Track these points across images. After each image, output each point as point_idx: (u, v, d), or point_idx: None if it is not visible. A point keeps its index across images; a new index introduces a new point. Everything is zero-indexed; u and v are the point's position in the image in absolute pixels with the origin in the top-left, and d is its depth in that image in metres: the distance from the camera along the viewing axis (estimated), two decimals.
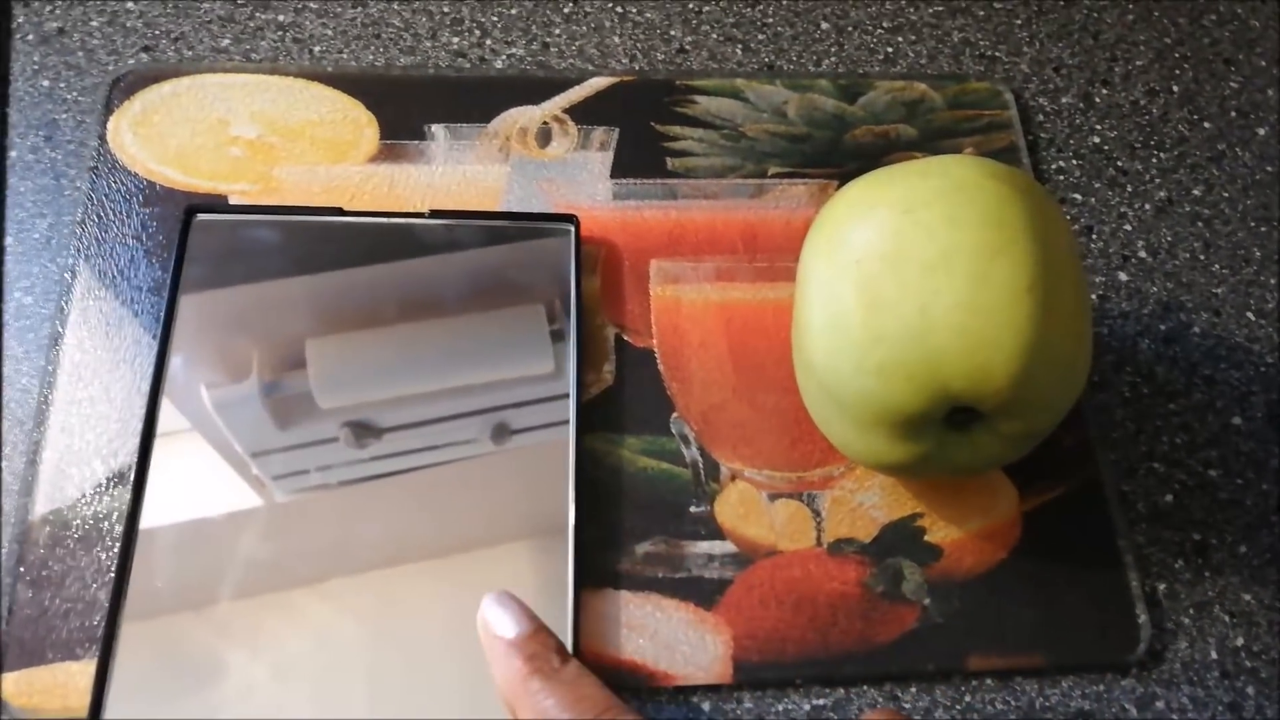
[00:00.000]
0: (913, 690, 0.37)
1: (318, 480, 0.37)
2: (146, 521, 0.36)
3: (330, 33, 0.48)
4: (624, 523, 0.38)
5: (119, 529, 0.36)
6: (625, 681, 0.36)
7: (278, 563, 0.35)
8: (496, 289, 0.41)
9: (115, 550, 0.36)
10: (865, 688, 0.37)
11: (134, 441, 0.37)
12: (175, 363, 0.38)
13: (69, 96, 0.45)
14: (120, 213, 0.42)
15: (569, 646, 0.35)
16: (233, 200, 0.43)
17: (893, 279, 0.32)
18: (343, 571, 0.36)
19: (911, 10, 0.52)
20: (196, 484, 0.37)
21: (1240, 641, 0.39)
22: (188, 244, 0.40)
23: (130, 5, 0.48)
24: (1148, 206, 0.47)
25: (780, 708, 0.36)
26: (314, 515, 0.36)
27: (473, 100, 0.46)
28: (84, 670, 0.34)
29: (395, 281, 0.40)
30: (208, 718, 0.33)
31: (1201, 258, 0.46)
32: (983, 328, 0.31)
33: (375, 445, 0.38)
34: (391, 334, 0.39)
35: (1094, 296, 0.45)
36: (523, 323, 0.40)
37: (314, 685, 0.34)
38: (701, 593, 0.37)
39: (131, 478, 0.36)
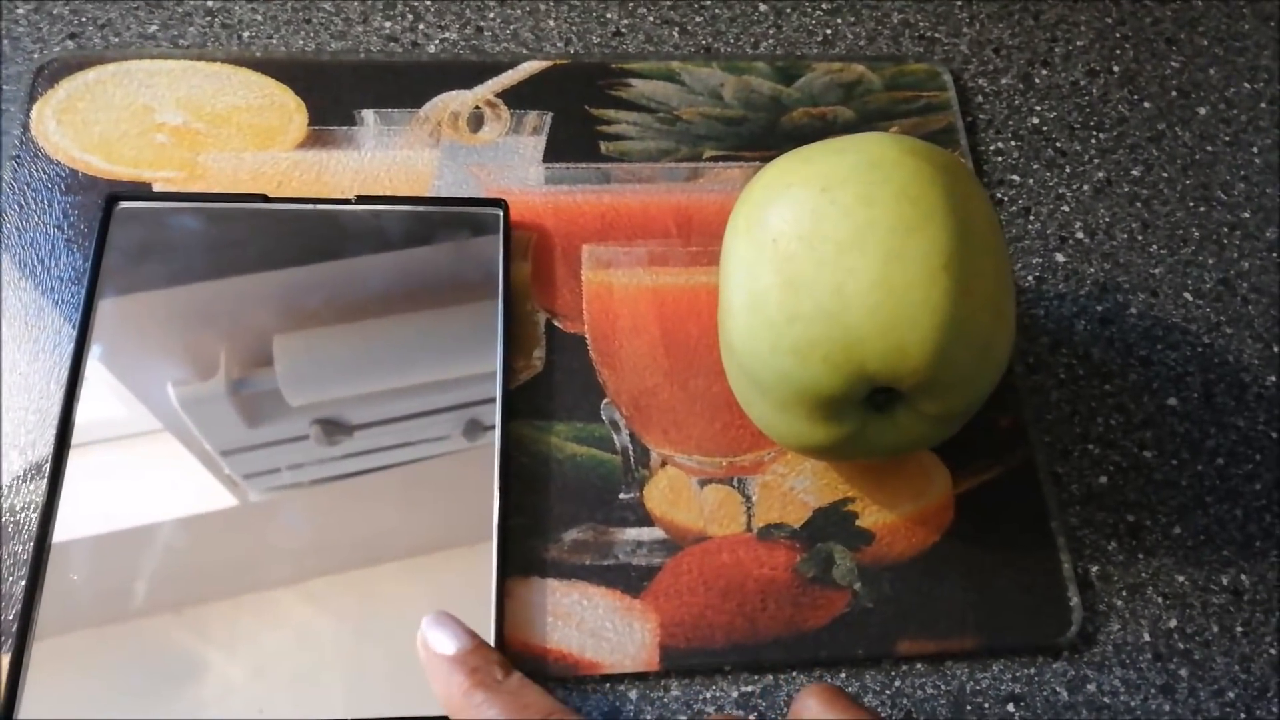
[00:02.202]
0: (842, 675, 0.36)
1: (289, 479, 0.37)
2: (121, 522, 0.35)
3: (260, 18, 0.47)
4: (552, 510, 0.38)
5: (36, 522, 0.36)
6: (551, 671, 0.35)
7: (253, 562, 0.35)
8: (465, 282, 0.40)
9: (32, 545, 0.35)
10: (794, 673, 0.36)
11: (51, 433, 0.37)
12: (112, 343, 0.37)
13: None
14: (42, 201, 0.41)
15: (493, 636, 0.34)
16: (157, 188, 0.42)
17: (809, 258, 0.32)
18: (317, 570, 0.35)
19: None
20: (168, 483, 0.36)
21: (1173, 623, 0.38)
22: (109, 232, 0.39)
23: None
24: (1086, 187, 0.47)
25: (708, 694, 0.36)
26: (287, 514, 0.36)
27: (404, 85, 0.45)
28: None
29: (359, 277, 0.40)
30: (187, 718, 0.33)
31: (1139, 238, 0.46)
32: (897, 306, 0.31)
33: (347, 443, 0.37)
34: (361, 330, 0.39)
35: (1031, 278, 0.44)
36: (492, 318, 0.39)
37: (292, 684, 0.33)
38: (629, 580, 0.37)
39: (48, 470, 0.35)
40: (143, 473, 0.36)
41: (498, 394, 0.38)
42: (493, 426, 0.38)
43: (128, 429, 0.37)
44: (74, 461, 0.36)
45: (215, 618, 0.34)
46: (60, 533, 0.35)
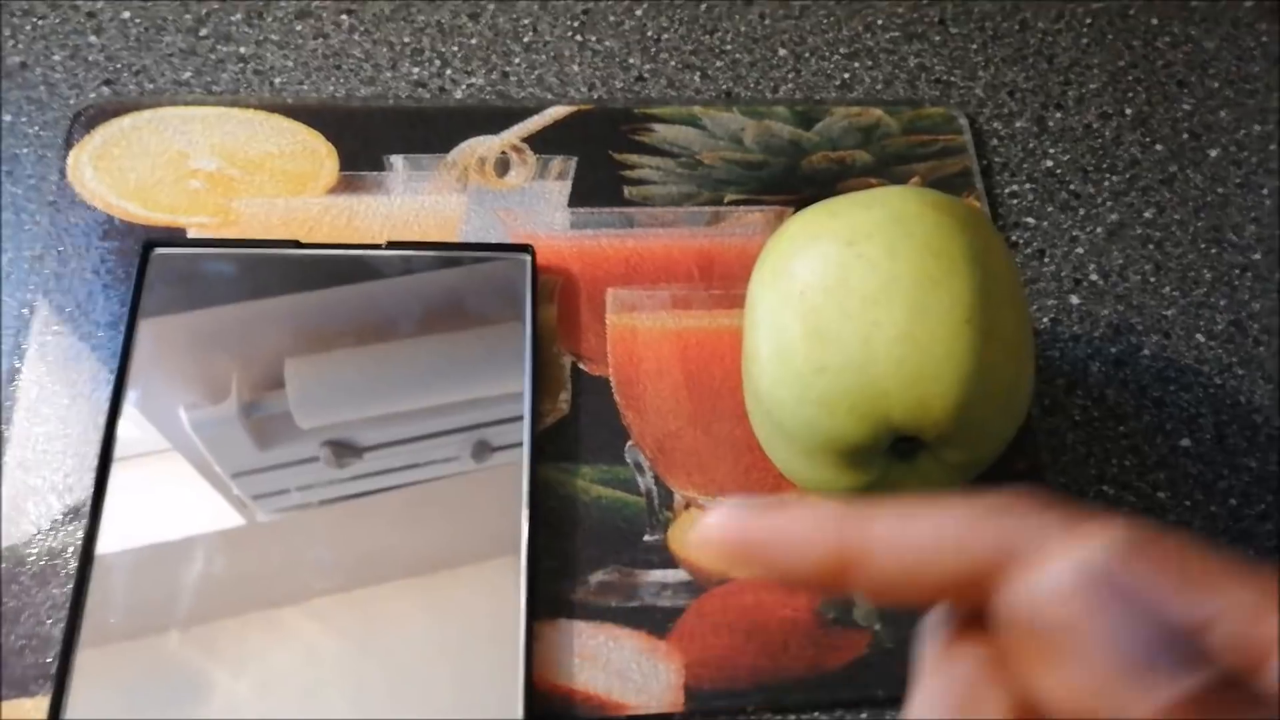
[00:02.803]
0: (864, 716, 0.37)
1: (299, 500, 0.37)
2: (127, 541, 0.36)
3: (291, 64, 0.48)
4: (578, 552, 0.39)
5: (74, 564, 0.36)
6: (578, 712, 0.36)
7: (261, 581, 0.36)
8: (473, 307, 0.41)
9: (69, 587, 0.36)
10: (816, 714, 0.37)
11: (90, 477, 0.38)
12: (147, 386, 0.38)
13: (30, 131, 0.45)
14: (79, 247, 0.42)
15: (520, 676, 0.35)
16: (191, 233, 0.43)
17: (835, 310, 0.33)
18: (325, 590, 0.36)
19: (868, 36, 0.52)
20: (178, 504, 0.37)
21: None
22: (145, 278, 0.40)
23: (92, 39, 0.48)
24: (1099, 229, 0.48)
25: None
26: (296, 534, 0.37)
27: (432, 130, 0.46)
28: (37, 706, 0.35)
29: (371, 303, 0.41)
30: None
31: (1152, 280, 0.47)
32: (922, 359, 0.31)
33: (356, 464, 0.38)
34: (370, 353, 0.40)
35: (1046, 320, 0.45)
36: (501, 340, 0.40)
37: (297, 702, 0.34)
38: (654, 621, 0.38)
39: (87, 512, 0.36)
40: (154, 494, 0.37)
41: (525, 438, 0.39)
42: (502, 448, 0.39)
43: (139, 449, 0.38)
44: None
45: (222, 637, 0.35)
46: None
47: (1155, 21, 0.55)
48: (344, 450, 0.38)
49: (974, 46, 0.53)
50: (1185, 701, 0.16)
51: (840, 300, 0.33)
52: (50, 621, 0.36)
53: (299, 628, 0.35)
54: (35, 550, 0.37)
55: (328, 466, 0.38)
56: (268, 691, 0.34)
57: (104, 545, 0.36)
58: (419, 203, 0.45)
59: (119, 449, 0.37)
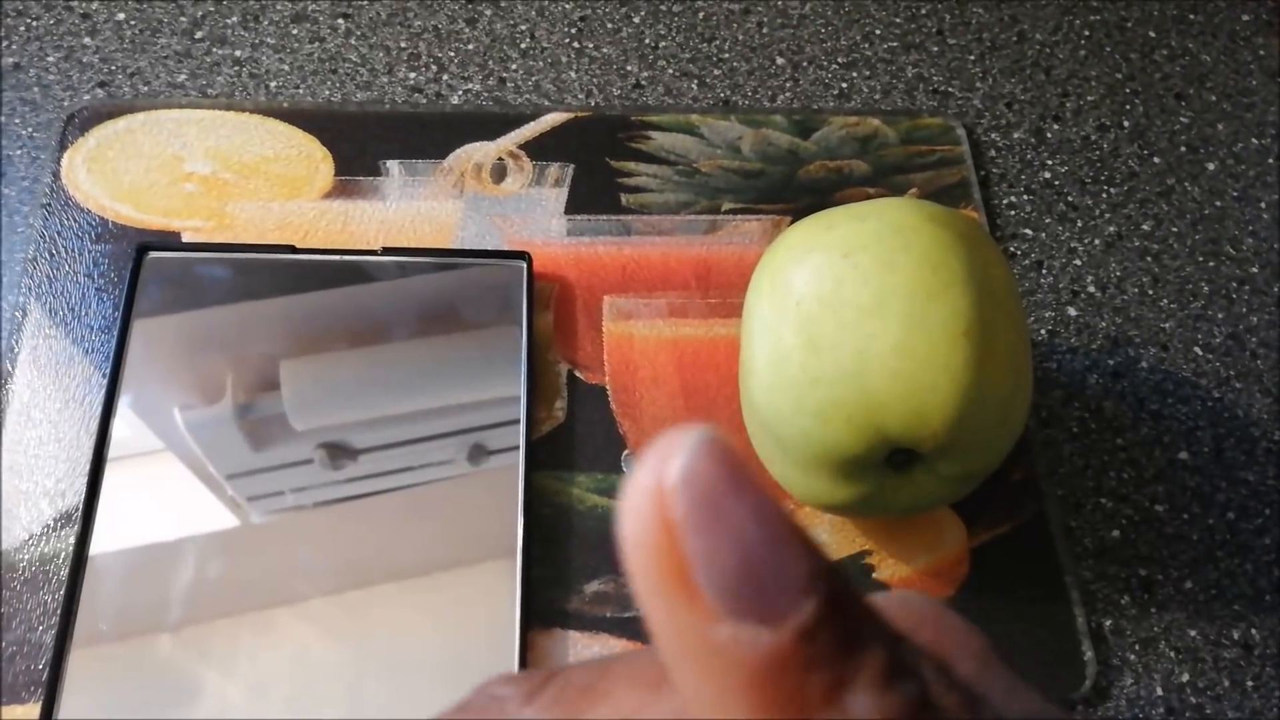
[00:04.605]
0: None
1: (293, 501, 0.37)
2: (119, 543, 0.36)
3: (287, 68, 0.48)
4: (573, 561, 0.38)
5: (66, 570, 0.36)
6: None
7: (254, 583, 0.36)
8: (469, 313, 0.41)
9: (61, 593, 0.36)
10: None
11: (82, 482, 0.37)
12: (141, 390, 0.38)
13: (24, 132, 0.45)
14: (72, 250, 0.42)
15: None
16: (186, 237, 0.43)
17: (831, 321, 0.32)
18: (319, 592, 0.36)
19: (866, 46, 0.52)
20: (172, 505, 0.37)
21: (1185, 678, 0.39)
22: (139, 282, 0.40)
23: (87, 41, 0.48)
24: (1097, 241, 0.48)
25: None
26: (290, 536, 0.37)
27: (428, 136, 0.46)
28: (29, 713, 0.34)
29: (367, 307, 0.41)
30: None
31: (1150, 293, 0.47)
32: (918, 372, 0.31)
33: (351, 467, 0.38)
34: (366, 356, 0.40)
35: (1043, 331, 0.45)
36: (497, 346, 0.40)
37: (290, 706, 0.34)
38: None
39: (79, 518, 0.36)
40: (148, 497, 0.37)
41: (521, 446, 0.39)
42: (497, 452, 0.38)
43: (132, 453, 0.38)
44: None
45: (216, 640, 0.35)
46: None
47: (1153, 34, 0.55)
48: (339, 453, 0.38)
49: (972, 57, 0.53)
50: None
51: (836, 311, 0.33)
52: (42, 628, 0.35)
53: (292, 631, 0.35)
54: (27, 556, 0.37)
55: (323, 469, 0.38)
56: (261, 695, 0.34)
57: (97, 549, 0.36)
58: (415, 208, 0.44)
59: (112, 452, 0.37)
